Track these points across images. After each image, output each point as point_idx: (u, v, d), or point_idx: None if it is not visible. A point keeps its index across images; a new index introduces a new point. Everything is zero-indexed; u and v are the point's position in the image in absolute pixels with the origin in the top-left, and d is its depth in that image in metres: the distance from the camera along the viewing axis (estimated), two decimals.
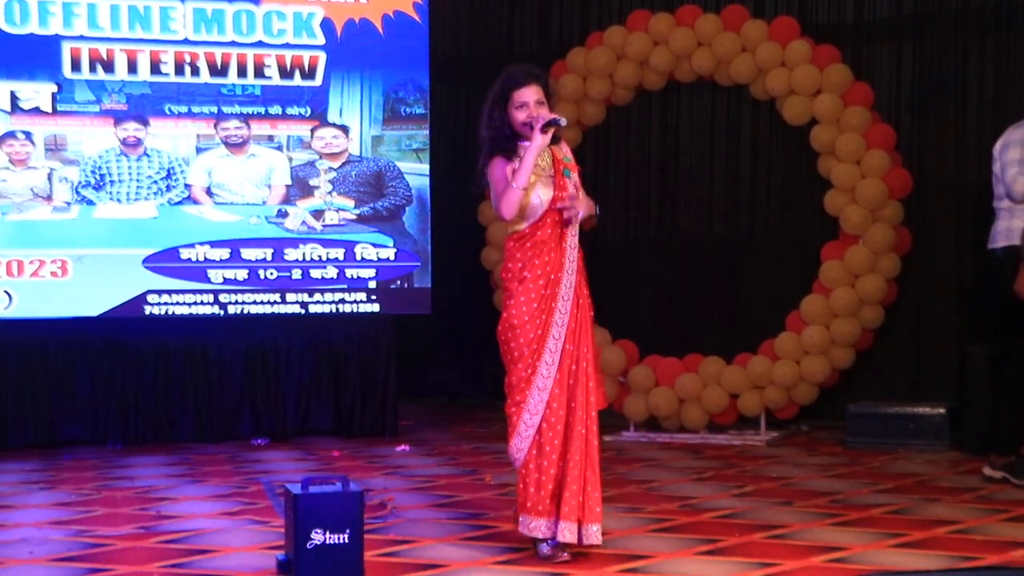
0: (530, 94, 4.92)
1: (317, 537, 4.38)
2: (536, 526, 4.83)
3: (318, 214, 7.94)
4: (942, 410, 7.51)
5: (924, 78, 8.22)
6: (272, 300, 7.86)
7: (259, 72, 7.84)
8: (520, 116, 4.91)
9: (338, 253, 7.94)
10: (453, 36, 9.59)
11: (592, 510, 4.84)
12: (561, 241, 4.94)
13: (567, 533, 4.80)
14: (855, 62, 8.24)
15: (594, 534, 4.83)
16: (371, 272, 8.00)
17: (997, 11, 8.00)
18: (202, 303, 7.76)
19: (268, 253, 7.84)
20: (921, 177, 8.03)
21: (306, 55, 7.90)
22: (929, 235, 8.11)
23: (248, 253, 7.82)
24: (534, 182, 4.92)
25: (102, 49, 7.60)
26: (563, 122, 4.91)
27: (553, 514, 4.82)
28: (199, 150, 7.81)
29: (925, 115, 8.22)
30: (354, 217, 7.99)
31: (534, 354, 4.86)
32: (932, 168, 8.14)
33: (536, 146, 4.86)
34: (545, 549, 4.84)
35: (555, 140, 5.01)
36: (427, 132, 8.11)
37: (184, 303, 7.73)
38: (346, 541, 4.40)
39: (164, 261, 7.70)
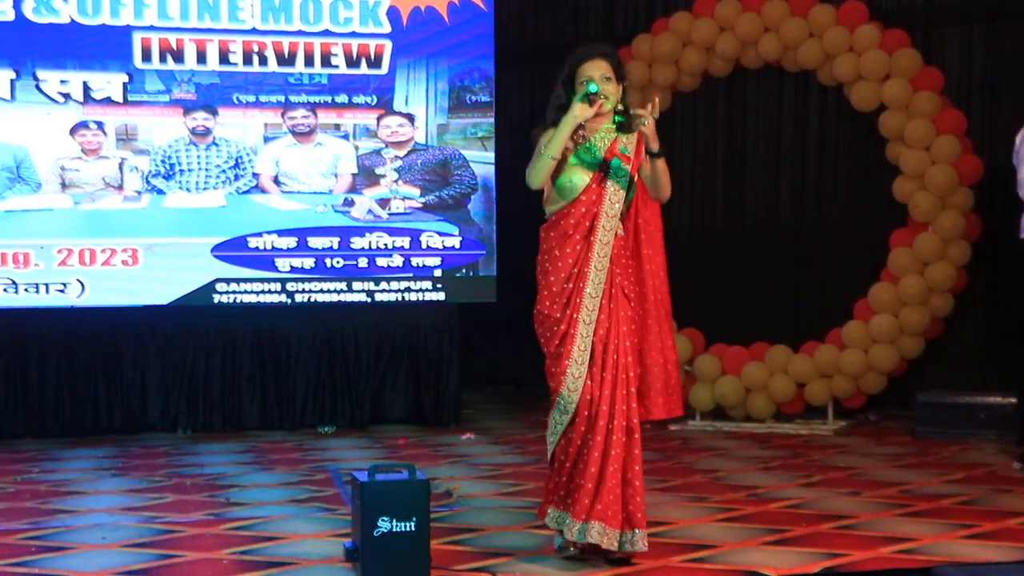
0: (594, 68, 4.58)
1: (384, 525, 4.41)
2: (552, 516, 4.71)
3: (384, 202, 7.97)
4: (1013, 400, 7.40)
5: (996, 62, 8.10)
6: (338, 289, 7.91)
7: (326, 61, 7.88)
8: None
9: (404, 241, 7.97)
10: (518, 23, 9.58)
11: (616, 515, 4.53)
12: (591, 234, 4.58)
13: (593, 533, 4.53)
14: (925, 46, 8.13)
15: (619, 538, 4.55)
16: (437, 260, 8.02)
17: None
18: (270, 291, 7.82)
19: (335, 242, 7.89)
20: (992, 163, 7.90)
21: (372, 43, 7.93)
22: (1000, 222, 7.97)
23: (315, 242, 7.87)
24: (574, 164, 4.60)
25: (172, 39, 7.67)
26: (594, 88, 4.50)
27: (566, 507, 4.62)
28: (267, 139, 7.87)
29: (996, 100, 8.10)
30: (420, 205, 8.02)
31: (558, 353, 4.57)
32: (1003, 154, 7.98)
33: (572, 116, 4.51)
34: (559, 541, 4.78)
35: (627, 129, 4.64)
36: (492, 120, 8.11)
37: (252, 291, 7.80)
38: (412, 529, 4.43)
39: (232, 250, 7.77)
